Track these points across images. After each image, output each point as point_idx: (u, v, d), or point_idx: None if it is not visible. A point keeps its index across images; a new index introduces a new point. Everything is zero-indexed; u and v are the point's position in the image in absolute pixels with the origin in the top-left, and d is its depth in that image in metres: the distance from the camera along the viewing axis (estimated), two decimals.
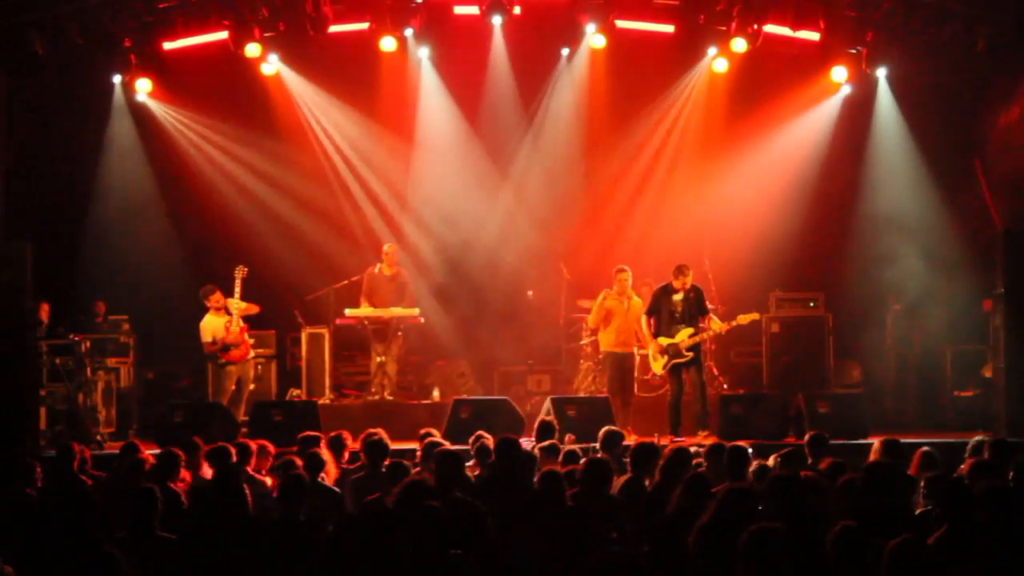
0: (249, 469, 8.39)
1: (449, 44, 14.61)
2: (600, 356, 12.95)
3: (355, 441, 9.02)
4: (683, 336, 11.98)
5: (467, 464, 8.33)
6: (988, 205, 14.00)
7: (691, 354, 11.97)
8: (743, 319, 12.36)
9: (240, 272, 12.91)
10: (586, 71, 14.85)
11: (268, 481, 8.27)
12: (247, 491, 6.75)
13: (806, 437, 8.81)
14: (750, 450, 7.85)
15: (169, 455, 7.95)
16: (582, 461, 7.71)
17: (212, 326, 12.83)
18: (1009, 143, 13.67)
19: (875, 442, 8.30)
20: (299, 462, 7.85)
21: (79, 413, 12.24)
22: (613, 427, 9.26)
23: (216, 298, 12.82)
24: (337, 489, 7.87)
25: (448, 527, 5.49)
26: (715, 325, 12.25)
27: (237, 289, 12.85)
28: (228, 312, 12.83)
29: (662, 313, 12.13)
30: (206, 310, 12.87)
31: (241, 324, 12.88)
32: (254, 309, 13.10)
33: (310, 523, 6.45)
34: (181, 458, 7.99)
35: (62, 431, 12.00)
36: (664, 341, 12.05)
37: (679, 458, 7.44)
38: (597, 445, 8.93)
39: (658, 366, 12.18)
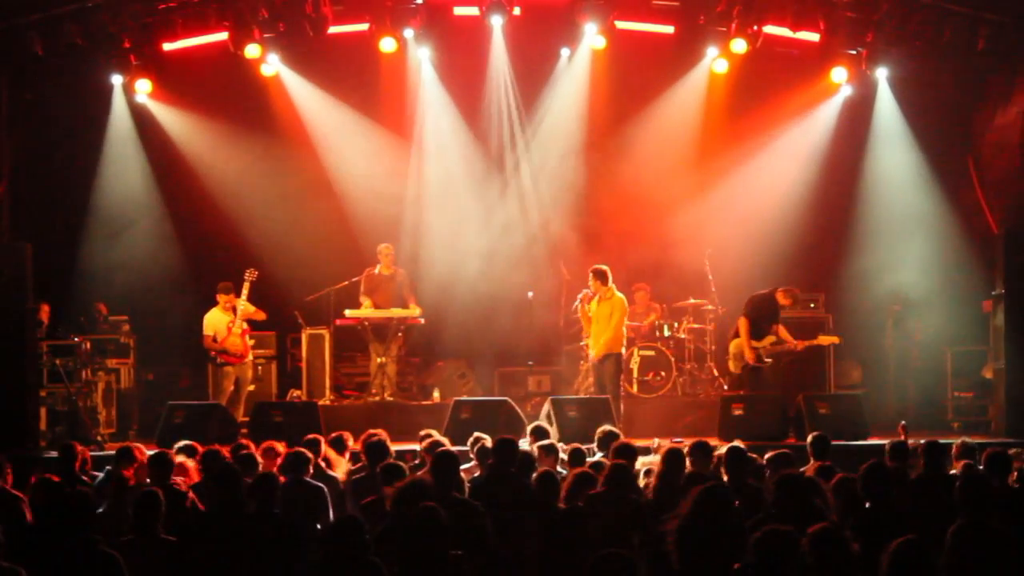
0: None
1: (449, 45, 14.60)
2: None
3: (356, 442, 9.02)
4: (767, 343, 12.59)
5: (467, 466, 8.35)
6: (981, 205, 14.01)
7: (770, 361, 12.57)
8: (823, 340, 12.96)
9: (250, 275, 12.97)
10: (586, 72, 14.83)
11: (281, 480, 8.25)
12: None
13: (809, 438, 8.75)
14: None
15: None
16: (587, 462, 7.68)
17: (215, 322, 12.91)
18: (1005, 143, 13.67)
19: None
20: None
21: (79, 414, 12.23)
22: (610, 427, 9.26)
23: (228, 299, 12.90)
24: (321, 485, 7.74)
25: (447, 527, 5.48)
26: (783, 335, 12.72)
27: (244, 291, 12.90)
28: (233, 311, 12.87)
29: (764, 321, 12.62)
30: (214, 303, 12.96)
31: (243, 327, 12.94)
32: (261, 315, 13.16)
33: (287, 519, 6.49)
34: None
35: (63, 432, 12.00)
36: (755, 344, 12.54)
37: (673, 459, 7.44)
38: (594, 446, 8.94)
39: (736, 365, 12.72)
